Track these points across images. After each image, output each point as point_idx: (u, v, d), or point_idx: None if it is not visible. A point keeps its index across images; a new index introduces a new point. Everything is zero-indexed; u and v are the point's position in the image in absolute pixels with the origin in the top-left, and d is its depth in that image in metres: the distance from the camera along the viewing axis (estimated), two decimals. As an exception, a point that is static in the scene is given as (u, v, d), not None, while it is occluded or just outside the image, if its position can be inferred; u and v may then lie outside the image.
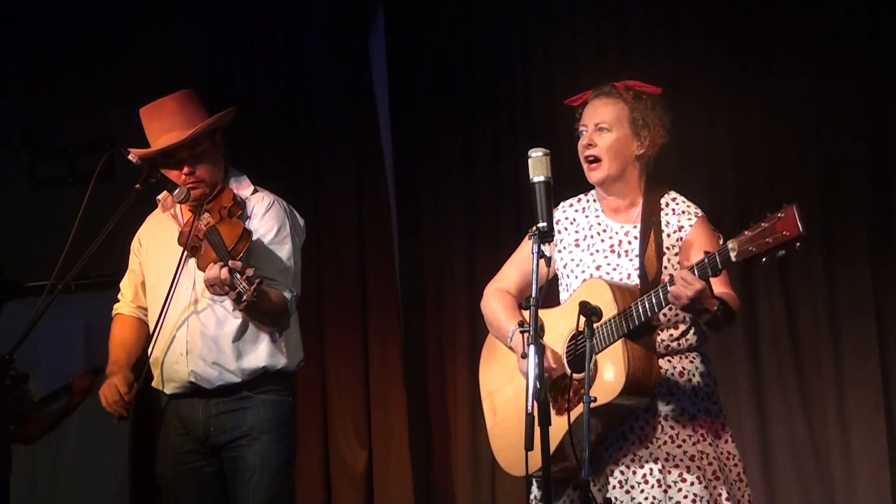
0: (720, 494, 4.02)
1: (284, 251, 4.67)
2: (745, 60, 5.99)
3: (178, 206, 4.73)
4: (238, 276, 4.29)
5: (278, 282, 4.61)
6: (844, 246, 5.80)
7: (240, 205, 4.65)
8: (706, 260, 3.74)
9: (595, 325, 3.83)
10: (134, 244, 4.87)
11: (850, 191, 5.81)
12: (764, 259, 3.64)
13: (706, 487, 4.00)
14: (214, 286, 4.32)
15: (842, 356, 5.79)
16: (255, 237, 4.63)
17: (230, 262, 4.32)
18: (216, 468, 4.70)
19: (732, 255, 3.67)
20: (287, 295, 4.59)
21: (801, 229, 3.55)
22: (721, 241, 3.94)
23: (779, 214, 3.59)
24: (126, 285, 4.89)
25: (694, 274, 3.74)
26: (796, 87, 5.91)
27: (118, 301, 4.93)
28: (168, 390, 4.73)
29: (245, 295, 4.25)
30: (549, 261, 3.78)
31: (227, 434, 4.65)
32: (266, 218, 4.71)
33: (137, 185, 4.69)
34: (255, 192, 4.79)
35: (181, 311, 4.67)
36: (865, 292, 5.75)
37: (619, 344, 3.94)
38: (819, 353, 5.83)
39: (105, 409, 4.64)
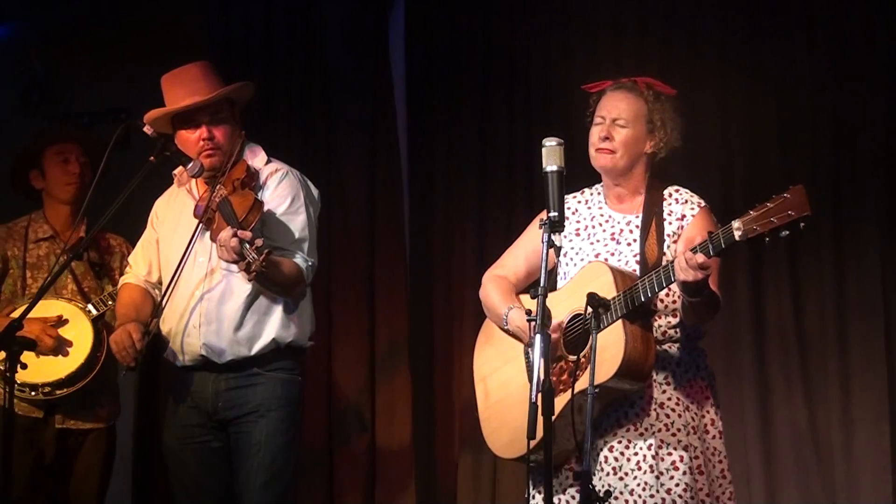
0: (700, 489, 4.10)
1: (298, 221, 4.71)
2: (761, 52, 6.01)
3: (194, 181, 4.80)
4: (248, 245, 4.31)
5: (291, 251, 4.66)
6: (855, 245, 5.81)
7: (253, 176, 4.71)
8: (711, 237, 3.78)
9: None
10: (152, 216, 4.95)
11: (862, 189, 5.83)
12: (767, 239, 3.68)
13: (694, 479, 4.09)
14: (223, 248, 4.36)
15: (848, 356, 5.80)
16: (268, 208, 4.66)
17: (239, 232, 4.34)
18: (223, 443, 4.74)
19: (737, 234, 3.71)
20: (301, 264, 4.63)
21: (807, 210, 3.59)
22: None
23: (785, 195, 3.63)
24: (138, 258, 4.94)
25: (698, 252, 3.78)
26: (812, 81, 5.94)
27: (125, 273, 4.99)
28: (180, 363, 4.77)
29: (254, 265, 4.28)
30: (558, 251, 3.94)
31: (235, 410, 4.69)
32: (280, 189, 4.75)
33: (151, 158, 4.77)
34: (268, 162, 4.84)
35: (196, 283, 4.71)
36: (875, 292, 5.76)
37: (618, 325, 3.99)
38: (825, 352, 5.84)
39: (115, 356, 4.68)
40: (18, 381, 4.96)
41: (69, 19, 6.96)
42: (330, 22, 6.57)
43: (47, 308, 5.15)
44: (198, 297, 4.72)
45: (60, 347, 5.14)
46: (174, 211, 4.88)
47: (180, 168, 4.82)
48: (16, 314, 4.99)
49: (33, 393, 5.12)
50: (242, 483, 4.68)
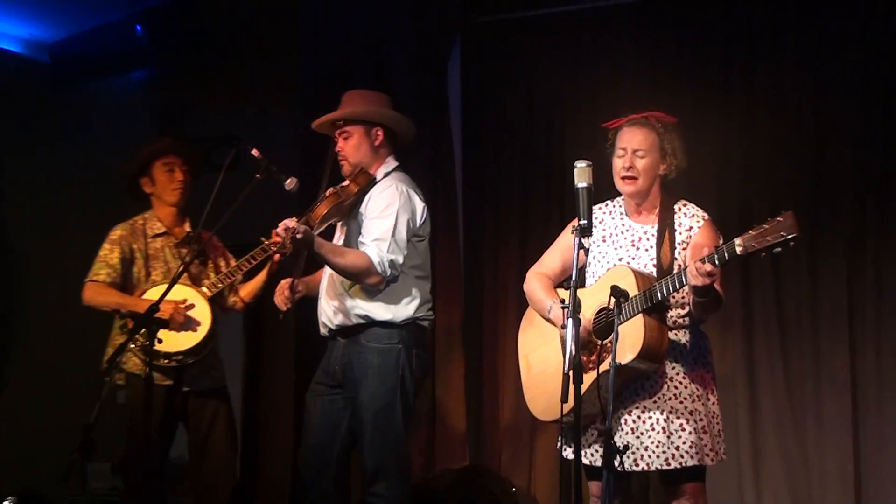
0: (706, 444, 4.10)
1: (385, 223, 4.58)
2: (754, 95, 5.92)
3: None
4: (290, 231, 4.33)
5: (368, 246, 4.56)
6: (825, 248, 5.73)
7: (361, 186, 4.68)
8: (717, 251, 3.78)
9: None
10: None
11: (834, 206, 5.74)
12: (763, 254, 3.68)
13: (699, 438, 4.08)
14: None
15: (818, 337, 5.71)
16: (363, 210, 4.64)
17: (288, 220, 4.38)
18: (346, 402, 4.68)
19: (738, 249, 3.71)
20: (374, 258, 4.51)
21: (795, 231, 3.61)
22: (721, 240, 4.04)
23: (778, 218, 3.64)
24: None
25: (706, 263, 3.77)
26: (795, 116, 5.84)
27: None
28: (321, 332, 4.79)
29: (284, 244, 4.35)
30: (587, 252, 3.90)
31: (347, 375, 4.64)
32: (379, 197, 4.65)
33: (258, 175, 4.71)
34: (385, 176, 4.74)
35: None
36: (840, 286, 5.69)
37: (638, 318, 3.97)
38: (800, 334, 5.76)
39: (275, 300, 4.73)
40: (156, 351, 4.95)
41: (191, 65, 6.95)
42: (397, 62, 6.48)
43: (174, 292, 5.06)
44: (326, 276, 4.80)
45: (188, 324, 5.08)
46: None
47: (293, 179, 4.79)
48: (147, 296, 5.03)
49: (166, 361, 5.08)
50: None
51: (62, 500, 5.99)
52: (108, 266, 5.20)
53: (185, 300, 5.10)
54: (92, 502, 5.80)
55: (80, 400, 4.54)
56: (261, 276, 5.29)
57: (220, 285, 5.17)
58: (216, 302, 5.26)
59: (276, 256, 4.81)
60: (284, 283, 4.68)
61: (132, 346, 4.89)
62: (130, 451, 5.01)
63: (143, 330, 4.69)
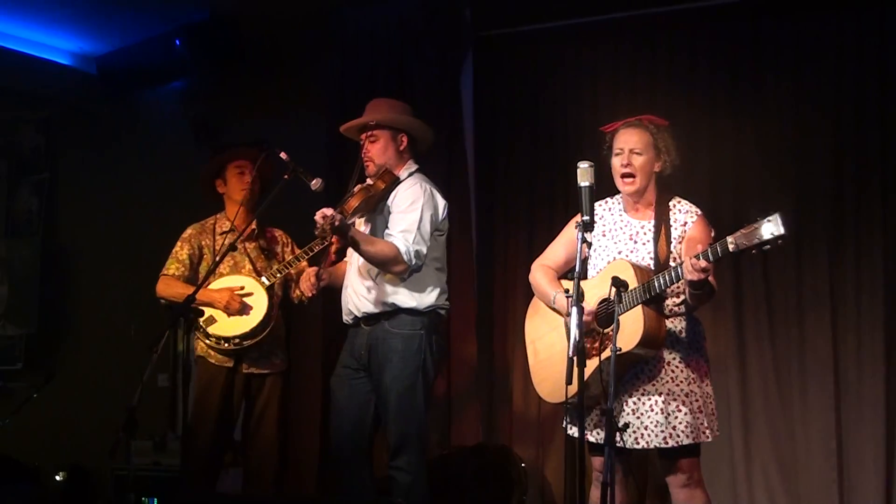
0: (701, 423, 4.12)
1: (410, 217, 4.66)
2: (743, 101, 5.91)
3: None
4: (328, 218, 4.39)
5: (395, 237, 4.62)
6: (810, 240, 5.72)
7: (386, 184, 4.73)
8: (710, 248, 3.79)
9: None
10: None
11: (817, 203, 5.73)
12: (753, 251, 3.71)
13: (695, 418, 4.10)
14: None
15: (803, 322, 5.71)
16: (390, 204, 4.70)
17: (325, 208, 4.45)
18: (372, 386, 4.71)
19: (730, 246, 3.73)
20: (401, 248, 4.57)
21: (783, 231, 3.63)
22: (713, 235, 4.08)
23: (767, 219, 3.65)
24: None
25: (700, 259, 3.79)
26: (780, 121, 5.82)
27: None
28: (344, 320, 4.83)
29: (319, 230, 4.40)
30: (589, 246, 3.87)
31: (372, 359, 4.68)
32: (405, 194, 4.72)
33: (286, 176, 4.77)
34: (409, 176, 4.81)
35: (351, 253, 4.79)
36: (824, 280, 5.68)
37: (638, 308, 3.99)
38: (787, 319, 5.75)
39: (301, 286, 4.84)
40: (214, 336, 5.14)
41: (226, 76, 6.94)
42: (416, 74, 6.43)
43: (234, 281, 5.22)
44: (351, 265, 4.86)
45: (244, 309, 5.14)
46: None
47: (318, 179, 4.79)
48: (211, 287, 5.14)
49: (226, 344, 5.16)
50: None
51: (108, 475, 6.06)
52: (178, 261, 5.32)
53: (241, 287, 5.17)
54: (135, 476, 5.85)
55: (124, 384, 4.61)
56: None
57: (279, 275, 5.19)
58: (286, 295, 5.35)
59: (332, 256, 4.85)
60: (311, 271, 4.76)
61: (196, 332, 5.08)
62: (188, 427, 5.12)
63: (198, 317, 4.96)
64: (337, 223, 4.43)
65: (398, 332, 4.67)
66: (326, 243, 4.85)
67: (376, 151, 4.79)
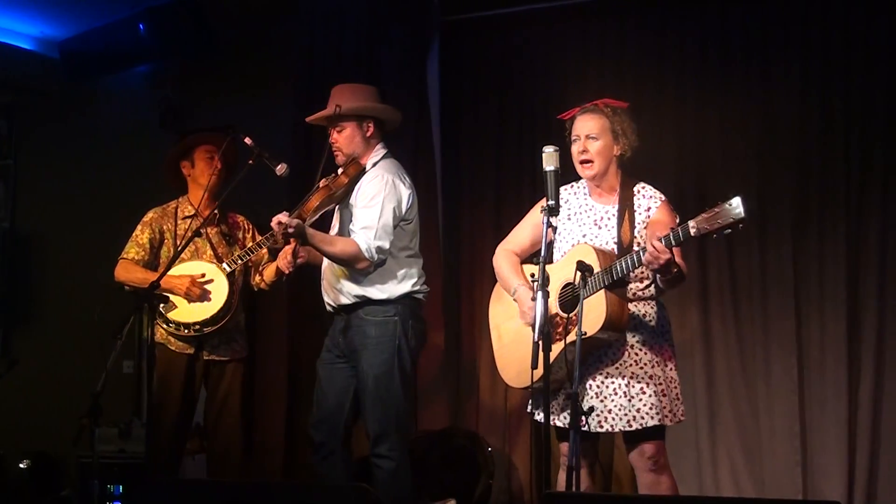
0: (664, 406, 4.11)
1: (371, 213, 4.63)
2: (709, 86, 5.92)
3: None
4: (282, 226, 4.41)
5: (357, 234, 4.62)
6: (774, 227, 5.74)
7: (350, 177, 4.71)
8: (671, 233, 3.77)
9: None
10: None
11: (780, 186, 5.75)
12: (715, 235, 3.68)
13: (659, 400, 4.09)
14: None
15: (767, 308, 5.73)
16: (352, 200, 4.69)
17: (280, 215, 4.45)
18: (351, 371, 4.71)
19: (692, 231, 3.70)
20: (361, 245, 4.57)
21: (743, 215, 3.59)
22: (678, 220, 4.06)
23: (728, 202, 3.61)
24: None
25: (662, 243, 3.76)
26: (745, 106, 5.83)
27: None
28: (326, 309, 4.83)
29: (272, 240, 4.46)
30: (555, 230, 3.89)
31: (349, 346, 4.69)
32: (367, 187, 4.70)
33: (250, 161, 4.78)
34: (373, 166, 4.78)
35: None
36: (787, 263, 5.71)
37: (601, 293, 3.98)
38: (751, 305, 5.78)
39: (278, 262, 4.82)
40: (174, 322, 5.09)
41: (192, 60, 6.88)
42: (384, 58, 6.41)
43: (194, 267, 5.16)
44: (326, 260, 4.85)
45: (205, 296, 5.10)
46: None
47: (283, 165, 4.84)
48: (171, 273, 5.02)
49: (186, 331, 5.12)
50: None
51: (72, 462, 6.01)
52: (138, 245, 5.26)
53: (202, 274, 5.13)
54: (100, 463, 5.79)
55: (89, 370, 4.55)
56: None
57: (240, 261, 5.14)
58: (245, 281, 5.31)
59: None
60: (288, 249, 4.73)
61: (157, 318, 5.00)
62: (152, 414, 5.06)
63: (162, 304, 4.90)
64: (291, 230, 4.44)
65: (371, 320, 4.67)
66: (268, 245, 4.89)
67: (344, 141, 4.77)
